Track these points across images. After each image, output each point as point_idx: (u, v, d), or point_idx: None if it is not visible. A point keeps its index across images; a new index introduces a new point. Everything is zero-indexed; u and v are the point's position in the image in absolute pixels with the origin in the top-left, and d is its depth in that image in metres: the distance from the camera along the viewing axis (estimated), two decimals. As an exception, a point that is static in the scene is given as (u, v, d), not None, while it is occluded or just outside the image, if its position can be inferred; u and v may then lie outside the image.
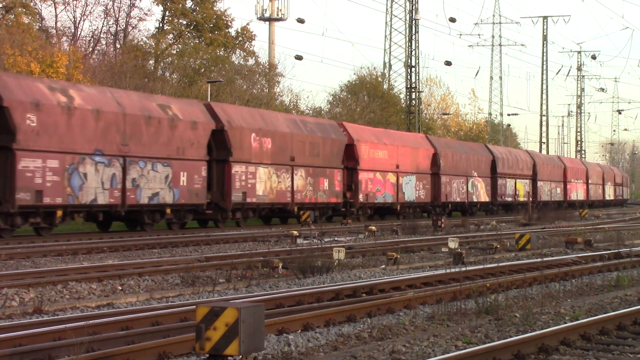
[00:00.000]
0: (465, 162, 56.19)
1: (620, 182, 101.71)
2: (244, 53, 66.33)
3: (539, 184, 69.22)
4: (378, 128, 52.35)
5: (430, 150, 51.98)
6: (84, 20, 63.57)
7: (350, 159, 42.84)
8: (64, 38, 58.47)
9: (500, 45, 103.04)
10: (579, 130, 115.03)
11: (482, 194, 60.16)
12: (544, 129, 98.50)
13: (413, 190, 49.01)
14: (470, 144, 63.38)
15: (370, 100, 72.33)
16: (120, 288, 15.46)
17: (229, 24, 64.68)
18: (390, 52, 76.50)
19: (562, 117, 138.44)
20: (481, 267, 18.24)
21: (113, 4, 60.90)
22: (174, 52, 61.56)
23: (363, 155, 43.66)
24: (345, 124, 44.17)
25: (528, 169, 72.01)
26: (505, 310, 12.55)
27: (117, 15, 61.47)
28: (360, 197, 43.27)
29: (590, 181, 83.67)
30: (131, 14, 62.02)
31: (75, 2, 59.41)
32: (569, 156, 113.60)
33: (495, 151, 63.24)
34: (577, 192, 79.55)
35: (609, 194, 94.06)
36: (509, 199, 68.40)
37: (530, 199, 60.41)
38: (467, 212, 56.53)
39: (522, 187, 69.44)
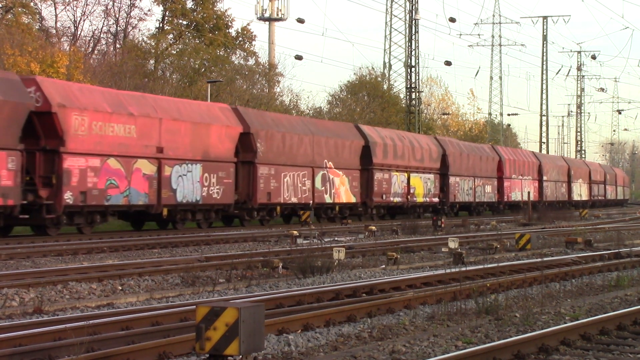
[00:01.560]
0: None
1: (621, 183, 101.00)
2: (244, 53, 66.38)
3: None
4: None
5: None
6: (84, 20, 63.51)
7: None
8: (64, 38, 58.51)
9: (500, 45, 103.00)
10: (579, 130, 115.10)
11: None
12: (544, 129, 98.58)
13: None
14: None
15: (370, 100, 72.33)
16: (120, 288, 15.46)
17: (229, 24, 64.72)
18: (390, 52, 76.51)
19: (562, 117, 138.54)
20: (481, 267, 18.24)
21: (113, 4, 60.97)
22: (174, 52, 61.56)
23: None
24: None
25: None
26: (505, 310, 12.55)
27: (117, 15, 61.53)
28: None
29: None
30: (131, 14, 62.09)
31: (75, 2, 59.45)
32: (569, 156, 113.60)
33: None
34: (580, 192, 79.86)
35: (610, 194, 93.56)
36: (596, 198, 72.83)
37: (536, 199, 62.31)
38: (474, 212, 57.49)
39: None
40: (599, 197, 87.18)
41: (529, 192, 62.11)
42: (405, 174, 47.60)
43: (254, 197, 35.74)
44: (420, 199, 49.19)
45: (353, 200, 42.70)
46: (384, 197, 45.22)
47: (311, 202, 38.95)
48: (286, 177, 37.73)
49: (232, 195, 34.53)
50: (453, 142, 54.91)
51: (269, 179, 36.53)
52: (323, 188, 40.34)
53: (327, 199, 40.66)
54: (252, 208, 35.96)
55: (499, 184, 60.36)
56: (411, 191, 48.18)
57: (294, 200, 38.27)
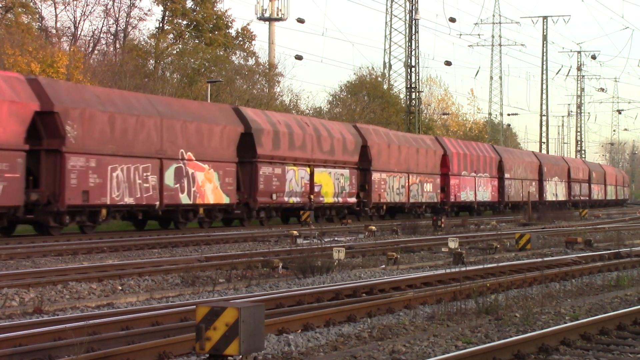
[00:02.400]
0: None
1: (612, 182, 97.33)
2: (244, 53, 66.39)
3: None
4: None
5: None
6: (84, 20, 63.51)
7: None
8: (64, 38, 58.52)
9: (500, 45, 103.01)
10: (579, 130, 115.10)
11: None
12: (544, 129, 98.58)
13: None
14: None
15: (370, 100, 72.34)
16: (120, 288, 15.46)
17: (229, 24, 64.75)
18: (390, 52, 76.56)
19: (562, 117, 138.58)
20: (481, 267, 18.24)
21: (113, 4, 60.97)
22: (174, 52, 61.58)
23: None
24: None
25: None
26: (505, 310, 12.55)
27: (117, 15, 61.54)
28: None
29: (572, 179, 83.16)
30: (131, 14, 62.10)
31: (75, 2, 59.47)
32: (569, 156, 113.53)
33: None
34: (581, 192, 79.38)
35: (597, 194, 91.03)
36: (577, 198, 68.79)
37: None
38: (475, 212, 56.91)
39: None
40: (582, 197, 78.94)
41: (528, 192, 62.11)
42: (307, 169, 39.15)
43: (60, 198, 27.19)
44: (329, 199, 40.64)
45: (225, 200, 34.36)
46: (275, 196, 36.73)
47: (157, 203, 31.06)
48: (116, 172, 29.39)
49: (20, 195, 26.15)
50: (379, 131, 46.81)
51: (87, 174, 28.06)
52: (177, 185, 32.04)
53: (184, 199, 32.42)
54: (59, 212, 27.55)
55: (443, 182, 51.83)
56: (316, 190, 39.46)
57: (128, 200, 29.89)
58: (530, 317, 11.96)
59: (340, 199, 41.78)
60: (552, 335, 10.14)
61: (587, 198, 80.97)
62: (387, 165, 45.67)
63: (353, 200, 42.54)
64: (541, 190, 68.11)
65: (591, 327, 10.80)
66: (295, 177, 38.47)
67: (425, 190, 49.74)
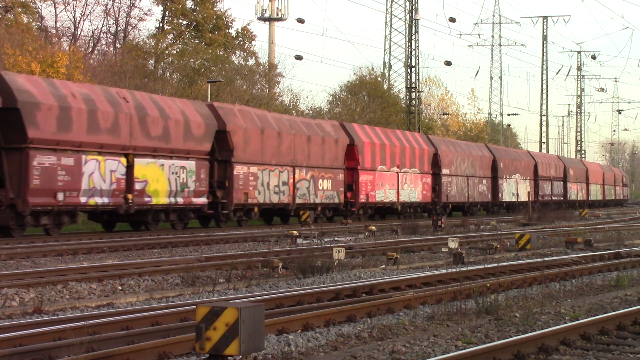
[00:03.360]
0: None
1: (597, 180, 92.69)
2: (244, 53, 66.41)
3: (569, 185, 68.45)
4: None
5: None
6: (84, 20, 63.59)
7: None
8: (64, 38, 58.52)
9: (500, 45, 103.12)
10: (579, 130, 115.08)
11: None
12: (544, 129, 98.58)
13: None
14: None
15: (370, 100, 72.34)
16: (120, 288, 15.46)
17: (229, 24, 64.78)
18: (390, 52, 76.55)
19: (562, 117, 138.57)
20: (481, 267, 18.24)
21: (113, 4, 60.99)
22: (174, 52, 61.59)
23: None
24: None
25: (560, 172, 70.27)
26: (505, 310, 12.55)
27: (117, 15, 61.55)
28: (361, 197, 40.96)
29: (590, 181, 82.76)
30: (131, 14, 62.13)
31: (75, 2, 59.48)
32: (569, 156, 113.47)
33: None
34: (578, 192, 78.53)
35: (609, 194, 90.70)
36: (547, 199, 62.86)
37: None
38: (468, 212, 55.69)
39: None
40: (553, 198, 69.16)
41: (528, 192, 61.81)
42: (122, 159, 29.61)
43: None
44: (161, 199, 31.25)
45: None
46: (61, 196, 26.88)
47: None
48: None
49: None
50: (249, 113, 36.68)
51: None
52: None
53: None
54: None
55: (349, 179, 42.35)
56: (137, 187, 30.06)
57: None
58: (530, 317, 11.96)
59: (181, 200, 32.28)
60: (552, 335, 10.14)
61: (562, 198, 71.27)
62: (260, 156, 36.13)
63: (202, 200, 33.22)
64: (495, 189, 58.87)
65: (591, 327, 10.80)
66: (101, 170, 28.82)
67: (321, 187, 39.76)
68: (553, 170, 70.82)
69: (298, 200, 38.21)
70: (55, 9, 58.81)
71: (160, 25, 62.56)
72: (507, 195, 60.86)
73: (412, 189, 48.10)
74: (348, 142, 42.17)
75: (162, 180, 31.43)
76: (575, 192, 76.99)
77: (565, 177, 73.81)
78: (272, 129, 37.08)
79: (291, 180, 37.94)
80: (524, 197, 62.02)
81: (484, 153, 58.54)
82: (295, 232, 27.74)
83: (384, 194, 45.05)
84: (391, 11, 75.90)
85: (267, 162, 36.59)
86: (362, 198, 43.01)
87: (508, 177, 61.20)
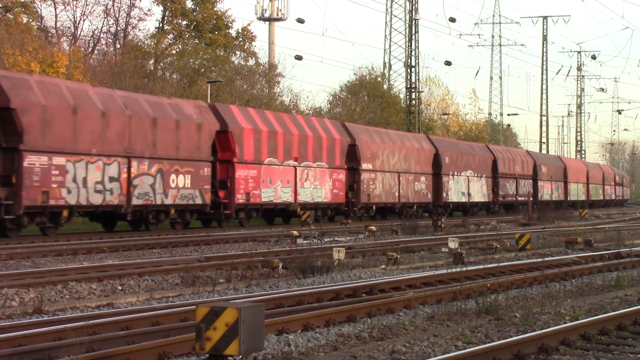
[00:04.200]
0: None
1: (620, 183, 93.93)
2: (244, 53, 66.43)
3: (540, 183, 66.23)
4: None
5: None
6: (84, 20, 63.72)
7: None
8: (64, 38, 58.54)
9: (500, 45, 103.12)
10: (579, 130, 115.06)
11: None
12: (544, 129, 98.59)
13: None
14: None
15: (370, 100, 72.34)
16: (120, 288, 15.46)
17: (229, 24, 64.80)
18: (390, 52, 76.55)
19: (562, 117, 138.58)
20: (481, 267, 18.24)
21: (113, 4, 61.01)
22: (174, 52, 61.60)
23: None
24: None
25: (529, 169, 65.24)
26: (505, 310, 12.55)
27: (117, 15, 61.57)
28: (238, 197, 34.66)
29: (590, 181, 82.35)
30: (131, 14, 62.15)
31: (75, 2, 59.51)
32: (569, 156, 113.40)
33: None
34: (578, 192, 78.06)
35: (609, 194, 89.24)
36: (510, 199, 57.84)
37: (531, 198, 53.55)
38: (468, 212, 55.13)
39: (477, 186, 55.54)
40: (519, 198, 61.50)
41: (529, 192, 61.42)
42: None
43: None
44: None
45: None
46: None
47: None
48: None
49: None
50: (50, 85, 27.42)
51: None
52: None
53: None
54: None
55: (223, 174, 34.39)
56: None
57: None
58: (530, 317, 11.96)
59: None
60: (552, 335, 10.14)
61: (532, 199, 63.06)
62: (70, 143, 27.71)
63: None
64: (438, 187, 50.71)
65: (591, 327, 10.80)
66: None
67: (174, 185, 31.54)
68: (519, 167, 62.90)
69: (136, 201, 30.00)
70: (55, 9, 58.89)
71: (160, 25, 62.60)
72: (454, 195, 52.48)
73: (317, 187, 39.70)
74: (219, 128, 33.74)
75: None
76: (549, 191, 69.02)
77: (536, 175, 66.09)
78: (91, 107, 28.42)
79: (124, 175, 29.55)
80: (479, 198, 55.91)
81: (422, 145, 49.81)
82: (295, 232, 27.70)
83: (274, 193, 36.80)
84: (391, 11, 75.95)
85: (82, 152, 28.01)
86: (240, 198, 34.68)
87: (455, 175, 52.79)
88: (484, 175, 57.13)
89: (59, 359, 9.25)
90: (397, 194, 46.29)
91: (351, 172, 42.50)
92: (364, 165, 43.15)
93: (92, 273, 16.67)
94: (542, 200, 65.40)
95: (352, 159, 42.48)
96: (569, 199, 73.22)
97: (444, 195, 51.11)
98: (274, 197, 36.86)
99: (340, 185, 41.59)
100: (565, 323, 11.36)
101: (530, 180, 64.91)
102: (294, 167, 38.28)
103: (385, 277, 16.58)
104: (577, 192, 76.70)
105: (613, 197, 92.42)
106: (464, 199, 54.01)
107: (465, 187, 54.07)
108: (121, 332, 10.43)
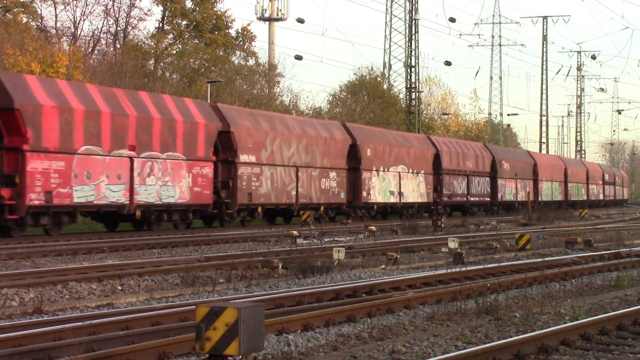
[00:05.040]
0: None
1: (611, 182, 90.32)
2: (244, 53, 66.42)
3: (540, 184, 65.64)
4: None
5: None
6: (83, 20, 63.62)
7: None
8: (64, 38, 58.56)
9: (500, 45, 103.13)
10: (579, 130, 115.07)
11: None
12: (543, 129, 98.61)
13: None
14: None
15: (370, 100, 72.33)
16: (120, 288, 15.46)
17: (229, 24, 64.80)
18: (390, 52, 76.54)
19: (562, 117, 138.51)
20: (481, 267, 18.23)
21: (113, 4, 61.03)
22: (174, 52, 61.59)
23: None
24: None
25: (529, 169, 64.02)
26: (505, 310, 12.55)
27: (117, 15, 61.60)
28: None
29: (590, 181, 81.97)
30: (131, 14, 62.19)
31: (75, 2, 59.52)
32: (569, 156, 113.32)
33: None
34: (578, 192, 77.66)
35: (596, 194, 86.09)
36: (386, 200, 47.92)
37: (531, 198, 51.99)
38: (467, 212, 54.48)
39: (413, 184, 48.61)
40: (470, 198, 53.83)
41: (528, 192, 61.26)
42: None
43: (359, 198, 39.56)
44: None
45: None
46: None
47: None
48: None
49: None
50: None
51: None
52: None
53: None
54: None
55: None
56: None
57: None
58: (530, 317, 11.96)
59: None
60: (552, 335, 10.14)
61: (602, 199, 57.96)
62: None
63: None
64: (356, 185, 43.11)
65: (591, 327, 10.80)
66: None
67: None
68: (471, 162, 54.64)
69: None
70: (55, 9, 58.92)
71: (160, 25, 62.60)
72: (378, 195, 45.08)
73: (168, 184, 31.52)
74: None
75: None
76: (512, 190, 61.58)
77: (495, 173, 58.26)
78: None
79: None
80: (415, 198, 48.45)
81: (334, 134, 41.74)
82: (295, 232, 27.71)
83: (95, 192, 28.38)
84: (391, 11, 75.93)
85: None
86: (36, 199, 26.31)
87: (381, 171, 45.35)
88: (422, 172, 49.42)
89: (59, 359, 9.25)
90: (294, 193, 38.48)
91: (226, 166, 35.08)
92: (243, 158, 35.35)
93: (92, 273, 16.67)
94: (502, 200, 59.80)
95: (228, 149, 34.95)
96: (540, 199, 66.02)
97: (364, 194, 43.63)
98: (94, 197, 28.36)
99: (205, 183, 33.17)
100: (565, 323, 11.36)
101: (488, 178, 57.48)
102: (130, 157, 29.92)
103: (385, 277, 16.57)
104: (552, 191, 69.78)
105: (601, 198, 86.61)
106: (393, 200, 46.49)
107: (396, 185, 46.55)
108: (121, 332, 10.43)
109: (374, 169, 44.53)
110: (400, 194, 46.93)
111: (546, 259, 20.45)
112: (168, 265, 18.52)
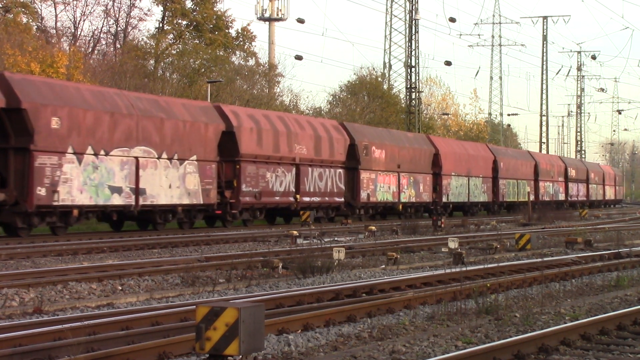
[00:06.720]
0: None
1: (599, 182, 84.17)
2: (244, 54, 66.41)
3: (541, 183, 65.33)
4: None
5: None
6: (84, 20, 63.60)
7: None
8: (64, 38, 58.55)
9: (500, 45, 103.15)
10: (579, 130, 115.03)
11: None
12: (544, 129, 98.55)
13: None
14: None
15: (370, 100, 72.31)
16: (120, 288, 15.46)
17: (229, 24, 64.79)
18: (390, 52, 76.53)
19: (562, 117, 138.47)
20: (481, 267, 18.23)
21: (113, 4, 61.01)
22: (174, 52, 61.58)
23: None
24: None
25: (529, 169, 63.26)
26: (505, 310, 12.55)
27: (117, 15, 61.58)
28: (362, 197, 39.31)
29: (590, 181, 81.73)
30: (131, 14, 62.15)
31: (75, 2, 59.52)
32: (569, 156, 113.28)
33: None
34: (578, 192, 77.32)
35: (608, 194, 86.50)
36: (511, 199, 53.41)
37: (532, 198, 51.55)
38: (468, 212, 54.33)
39: (524, 187, 53.29)
40: (597, 198, 54.24)
41: (528, 192, 61.12)
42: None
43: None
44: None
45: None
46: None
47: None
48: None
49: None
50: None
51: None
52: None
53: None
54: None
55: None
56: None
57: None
58: (530, 317, 11.96)
59: None
60: (552, 335, 10.14)
61: (602, 199, 53.50)
62: None
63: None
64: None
65: (591, 327, 10.80)
66: None
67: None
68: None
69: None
70: (55, 9, 58.89)
71: (160, 25, 62.58)
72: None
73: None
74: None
75: None
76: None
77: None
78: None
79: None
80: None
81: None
82: (295, 232, 27.70)
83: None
84: (391, 11, 75.92)
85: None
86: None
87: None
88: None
89: (59, 359, 9.25)
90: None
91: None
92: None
93: (92, 273, 16.67)
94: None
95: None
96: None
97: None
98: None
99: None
100: (565, 323, 11.35)
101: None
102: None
103: (385, 277, 16.57)
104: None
105: (586, 198, 77.25)
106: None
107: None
108: (121, 332, 10.43)
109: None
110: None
111: (546, 259, 20.43)
112: (168, 265, 18.52)
